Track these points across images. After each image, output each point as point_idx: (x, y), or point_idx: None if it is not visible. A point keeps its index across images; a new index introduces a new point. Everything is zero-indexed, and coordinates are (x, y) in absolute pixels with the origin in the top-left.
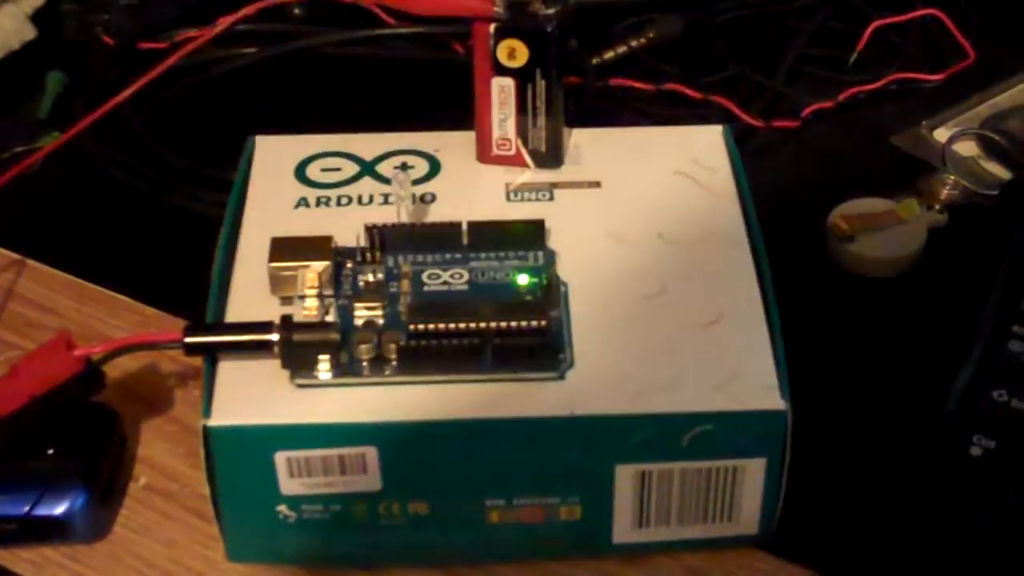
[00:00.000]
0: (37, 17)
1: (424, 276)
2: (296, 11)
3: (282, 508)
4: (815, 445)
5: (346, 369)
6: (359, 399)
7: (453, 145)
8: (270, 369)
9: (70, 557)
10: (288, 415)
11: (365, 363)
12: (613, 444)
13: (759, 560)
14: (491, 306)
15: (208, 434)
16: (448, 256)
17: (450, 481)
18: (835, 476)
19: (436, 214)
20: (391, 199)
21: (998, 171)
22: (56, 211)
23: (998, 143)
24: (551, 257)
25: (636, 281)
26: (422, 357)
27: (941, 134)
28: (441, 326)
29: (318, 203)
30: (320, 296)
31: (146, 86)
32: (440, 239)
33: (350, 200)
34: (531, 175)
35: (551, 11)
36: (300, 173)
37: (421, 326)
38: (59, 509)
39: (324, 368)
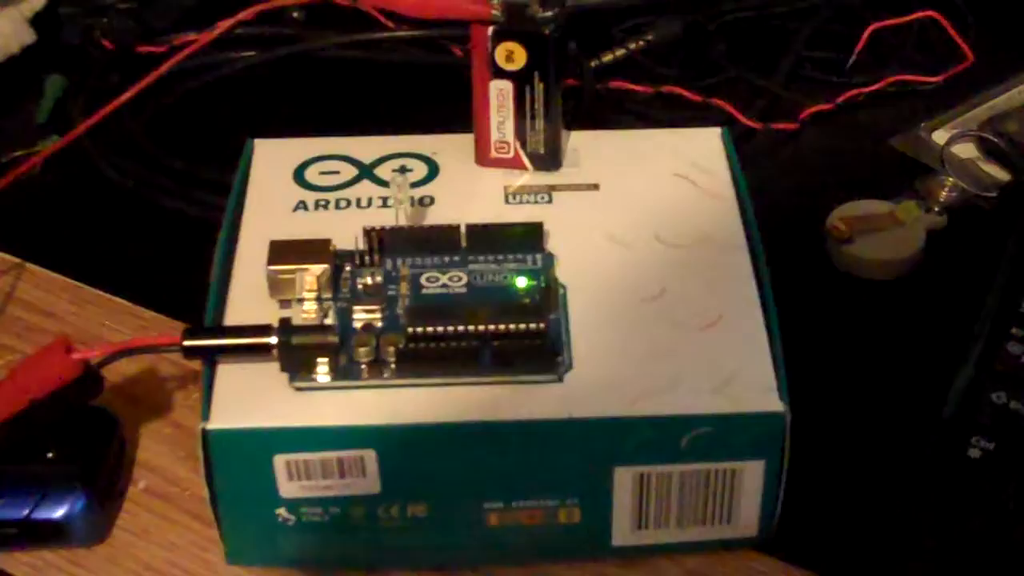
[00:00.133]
0: (36, 21)
1: (423, 279)
2: (295, 14)
3: (281, 511)
4: (814, 447)
5: (345, 372)
6: (358, 402)
7: (452, 148)
8: (269, 372)
9: (69, 560)
10: (287, 418)
11: (364, 366)
12: (612, 446)
13: (758, 562)
14: (489, 309)
15: (207, 437)
16: (447, 259)
17: (449, 484)
18: (834, 478)
19: (434, 217)
20: (390, 202)
21: (997, 173)
22: (55, 215)
23: (997, 145)
24: (549, 260)
25: (634, 283)
26: (421, 360)
27: (940, 136)
28: (440, 329)
29: (317, 206)
30: (319, 299)
31: (145, 90)
32: (439, 242)
33: (349, 203)
34: (529, 178)
35: (549, 14)
36: (299, 176)
37: (420, 329)
38: (58, 512)
39: (323, 371)
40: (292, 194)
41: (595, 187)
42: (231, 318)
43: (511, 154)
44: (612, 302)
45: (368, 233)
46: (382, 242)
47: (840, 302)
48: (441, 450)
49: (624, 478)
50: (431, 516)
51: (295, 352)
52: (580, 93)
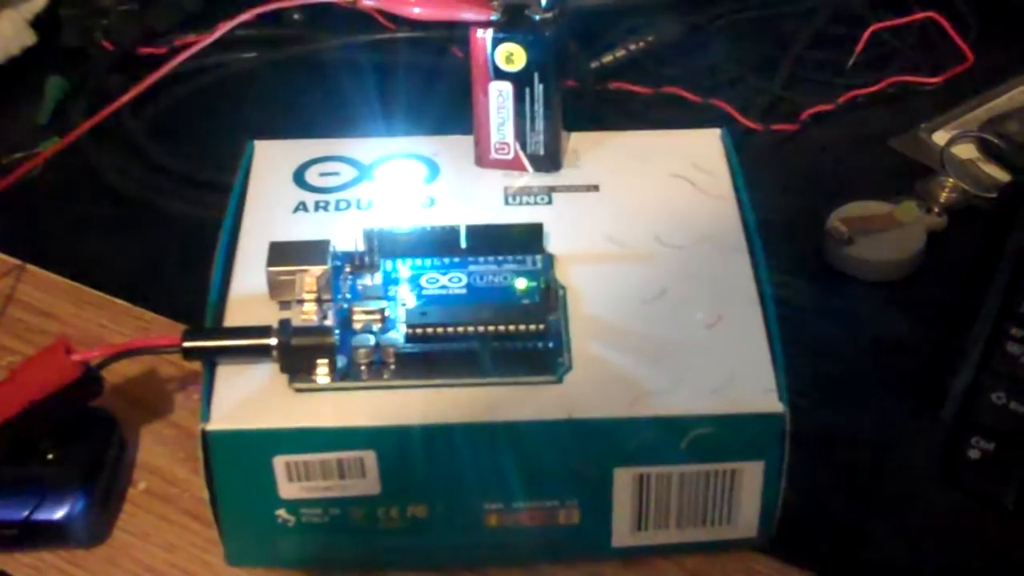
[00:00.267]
0: (37, 23)
1: (422, 280)
2: (295, 16)
3: (281, 512)
4: (814, 448)
5: (344, 373)
6: (357, 403)
7: (452, 149)
8: (269, 373)
9: (70, 562)
10: (286, 419)
11: (363, 367)
12: (611, 447)
13: (758, 563)
14: (489, 310)
15: (207, 438)
16: (447, 260)
17: (449, 485)
18: (834, 479)
19: (435, 218)
20: (389, 203)
21: (997, 174)
22: (56, 216)
23: (997, 146)
24: (549, 261)
25: (634, 284)
26: (420, 361)
27: (940, 137)
28: (439, 330)
29: (317, 207)
30: (319, 300)
31: (145, 91)
32: (439, 243)
33: (349, 204)
34: (529, 179)
35: (549, 15)
36: (299, 177)
37: (419, 330)
38: (59, 514)
39: (322, 372)
40: (292, 195)
41: (595, 188)
42: (231, 319)
43: (511, 155)
44: (612, 303)
45: (368, 234)
46: (382, 243)
47: (840, 303)
48: (441, 451)
49: (624, 479)
50: (431, 517)
51: (295, 353)
52: (580, 94)
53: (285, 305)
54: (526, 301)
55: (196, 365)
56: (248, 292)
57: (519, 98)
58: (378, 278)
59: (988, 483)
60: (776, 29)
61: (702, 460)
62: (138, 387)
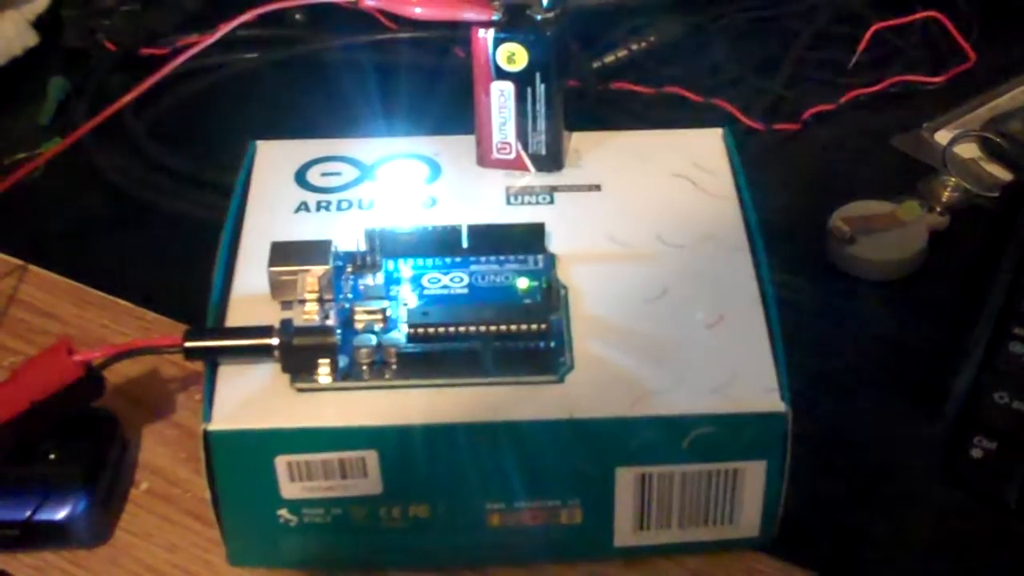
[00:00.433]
0: (39, 23)
1: (424, 280)
2: (297, 16)
3: (283, 512)
4: (815, 447)
5: (346, 373)
6: (359, 403)
7: (453, 149)
8: (270, 373)
9: (72, 562)
10: (288, 419)
11: (365, 367)
12: (613, 447)
13: (760, 563)
14: (491, 310)
15: (208, 438)
16: (448, 260)
17: (451, 484)
18: (835, 478)
19: (436, 218)
20: (391, 203)
21: (999, 173)
22: (57, 216)
23: (999, 145)
24: (551, 260)
25: (636, 284)
26: (422, 361)
27: (942, 136)
28: (441, 330)
29: (318, 207)
30: (320, 300)
31: (147, 91)
32: (440, 243)
33: (350, 204)
34: (531, 179)
35: (550, 15)
36: (300, 177)
37: (421, 330)
38: (61, 514)
39: (324, 372)
40: (294, 195)
41: (597, 188)
42: (232, 319)
43: (513, 155)
44: (614, 303)
45: (369, 234)
46: (383, 243)
47: (842, 302)
48: (443, 451)
49: (626, 478)
50: (433, 517)
51: (296, 353)
52: (582, 94)
53: (287, 305)
54: (528, 301)
55: (198, 365)
56: (250, 292)
57: (521, 98)
58: (380, 278)
59: (990, 482)
60: (778, 29)
61: (704, 460)
62: (140, 387)
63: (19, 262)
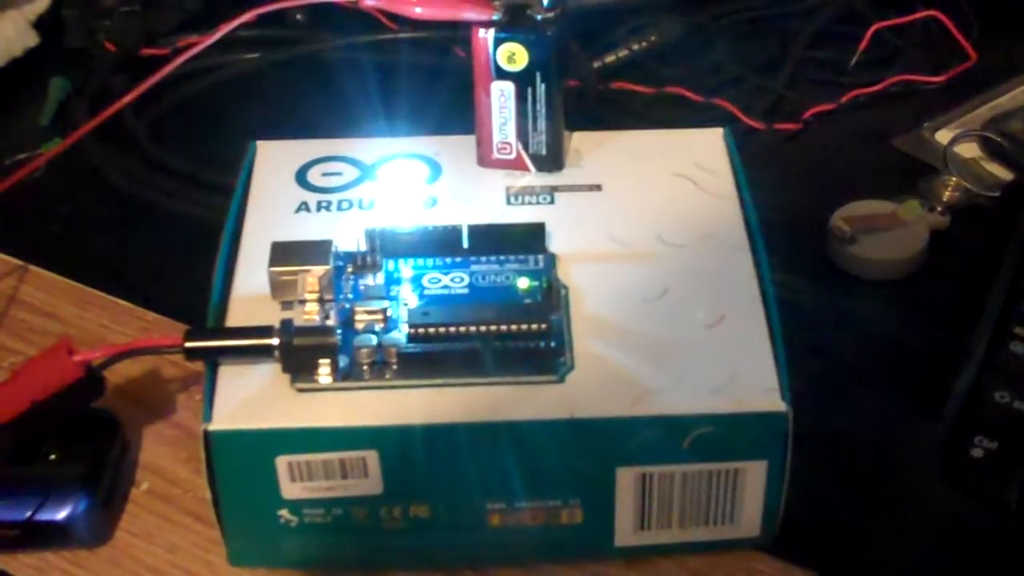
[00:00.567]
0: (39, 24)
1: (424, 280)
2: (297, 16)
3: (283, 512)
4: (816, 447)
5: (346, 373)
6: (360, 403)
7: (454, 149)
8: (271, 373)
9: (72, 562)
10: (289, 419)
11: (366, 367)
12: (614, 447)
13: (761, 563)
14: (491, 309)
15: (209, 438)
16: (449, 260)
17: (451, 484)
18: (836, 478)
19: (437, 218)
20: (391, 203)
21: (1000, 172)
22: (58, 216)
23: (1000, 144)
24: (551, 260)
25: (637, 284)
26: (422, 361)
27: (943, 136)
28: (441, 330)
29: (319, 207)
30: (321, 300)
31: (148, 92)
32: (441, 243)
33: (351, 204)
34: (532, 179)
35: (551, 15)
36: (301, 177)
37: (421, 330)
38: (61, 514)
39: (324, 372)
40: (294, 195)
41: (597, 188)
42: (233, 319)
43: (513, 155)
44: (614, 302)
45: (370, 234)
46: (384, 243)
47: (843, 302)
48: (443, 451)
49: (626, 478)
50: (433, 517)
51: (297, 353)
52: (582, 94)
53: (287, 305)
54: (528, 301)
55: (198, 365)
56: (250, 292)
57: (521, 98)
58: (380, 278)
59: (991, 482)
60: (778, 28)
61: (704, 459)
62: (140, 387)
63: (19, 262)
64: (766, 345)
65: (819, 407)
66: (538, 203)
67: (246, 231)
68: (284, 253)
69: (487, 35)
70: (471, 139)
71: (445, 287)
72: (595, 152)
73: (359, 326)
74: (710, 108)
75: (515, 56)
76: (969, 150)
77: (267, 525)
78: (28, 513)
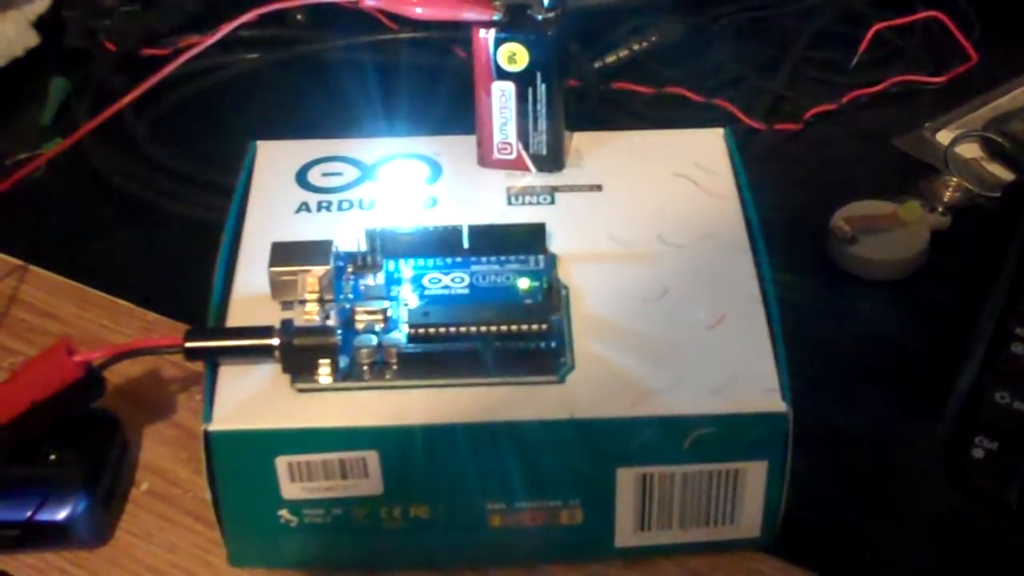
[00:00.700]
0: (40, 24)
1: (425, 280)
2: (298, 16)
3: (283, 513)
4: (817, 448)
5: (347, 373)
6: (360, 403)
7: (454, 149)
8: (271, 373)
9: (72, 562)
10: (289, 419)
11: (366, 367)
12: (614, 447)
13: (761, 563)
14: (492, 310)
15: (209, 439)
16: (449, 260)
17: (451, 485)
18: (837, 479)
19: (437, 218)
20: (392, 203)
21: (1001, 173)
22: (58, 217)
23: (1001, 145)
24: (552, 260)
25: (637, 284)
26: (423, 361)
27: (944, 136)
28: (442, 330)
29: (319, 207)
30: (321, 300)
31: (148, 92)
32: (441, 243)
33: (351, 204)
34: (532, 179)
35: (551, 15)
36: (301, 178)
37: (422, 330)
38: (61, 514)
39: (325, 372)
40: (294, 195)
41: (598, 188)
42: (233, 319)
43: (513, 155)
44: (614, 302)
45: (370, 234)
46: (384, 243)
47: (843, 302)
48: (443, 451)
49: (627, 479)
50: (433, 517)
51: (297, 353)
52: (582, 94)
53: (287, 305)
54: (528, 301)
55: (198, 365)
56: (250, 292)
57: (521, 98)
58: (380, 278)
59: (991, 482)
60: (779, 29)
61: (705, 460)
62: (140, 388)
63: (19, 262)
64: (766, 345)
65: (819, 407)
66: (538, 203)
67: (246, 231)
68: (284, 253)
69: (487, 35)
70: (471, 139)
71: (445, 287)
72: (595, 152)
73: (359, 326)
74: (710, 108)
75: (516, 56)
76: (970, 150)
77: (267, 525)
78: (28, 513)
